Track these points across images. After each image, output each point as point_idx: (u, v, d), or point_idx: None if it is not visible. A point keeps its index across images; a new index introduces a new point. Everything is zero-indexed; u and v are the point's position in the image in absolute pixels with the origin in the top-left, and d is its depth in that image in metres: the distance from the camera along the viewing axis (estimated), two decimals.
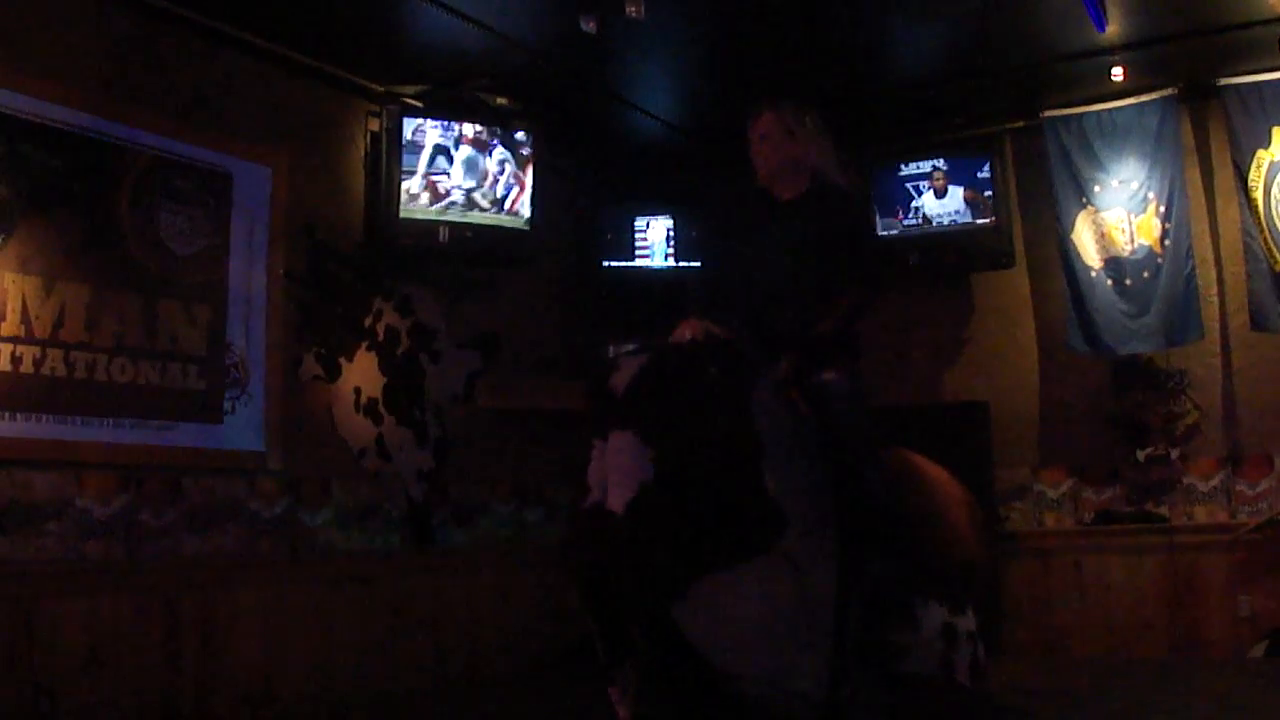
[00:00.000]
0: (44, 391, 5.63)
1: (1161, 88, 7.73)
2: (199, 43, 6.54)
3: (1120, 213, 7.88)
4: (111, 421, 5.91)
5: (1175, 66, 7.53)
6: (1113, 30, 6.89)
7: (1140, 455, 7.86)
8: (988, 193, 8.30)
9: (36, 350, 5.61)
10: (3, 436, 5.45)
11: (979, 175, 8.34)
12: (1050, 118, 8.09)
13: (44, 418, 5.62)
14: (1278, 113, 7.37)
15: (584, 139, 8.67)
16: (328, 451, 7.11)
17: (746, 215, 4.83)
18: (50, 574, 5.53)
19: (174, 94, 6.41)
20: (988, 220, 8.32)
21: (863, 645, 4.14)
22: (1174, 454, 7.80)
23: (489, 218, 7.75)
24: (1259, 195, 7.39)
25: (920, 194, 8.50)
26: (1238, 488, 7.63)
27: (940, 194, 8.45)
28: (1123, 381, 7.98)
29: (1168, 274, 7.69)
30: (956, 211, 8.40)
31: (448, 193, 7.58)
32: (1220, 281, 7.82)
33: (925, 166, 8.50)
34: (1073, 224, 8.01)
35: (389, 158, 7.42)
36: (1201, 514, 7.72)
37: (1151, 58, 7.33)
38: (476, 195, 7.69)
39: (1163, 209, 7.74)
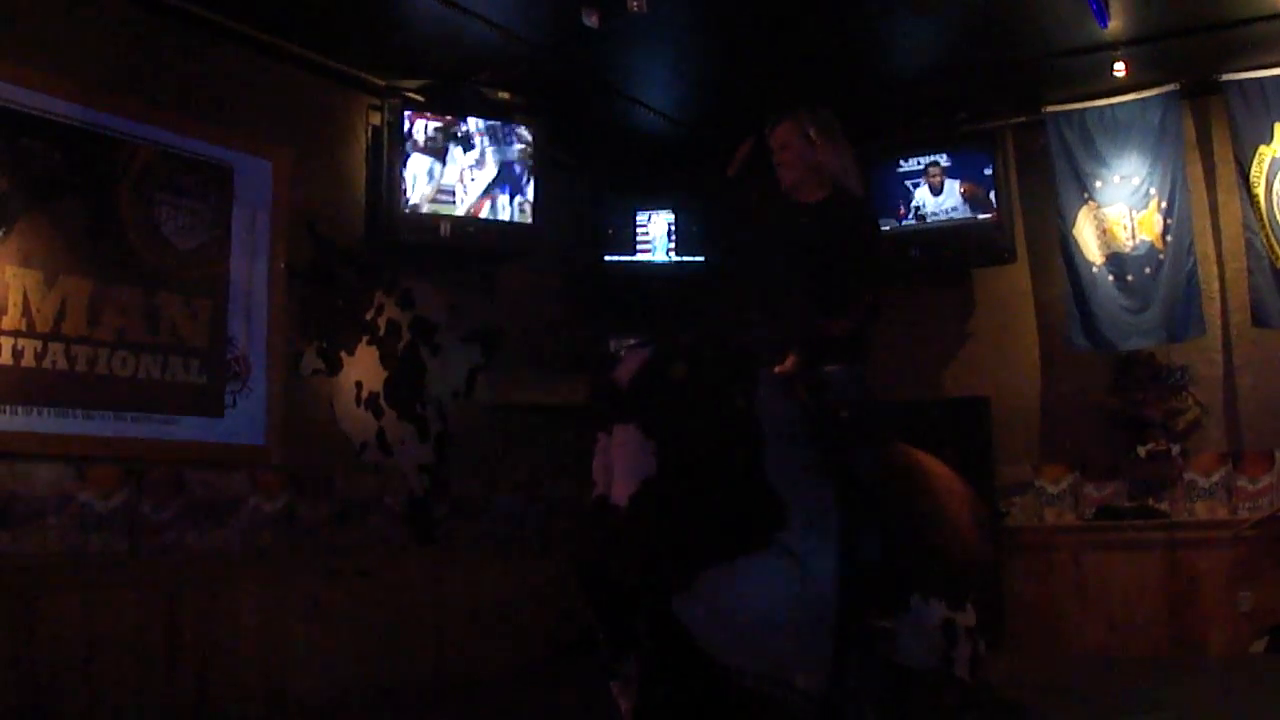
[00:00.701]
0: (45, 385, 5.63)
1: (1163, 83, 7.73)
2: (201, 37, 6.53)
3: (1122, 208, 7.87)
4: (113, 415, 5.91)
5: (1177, 62, 7.52)
6: (1115, 25, 6.88)
7: (1141, 451, 7.86)
8: (989, 189, 8.29)
9: (38, 344, 5.62)
10: (4, 430, 5.46)
11: (981, 171, 8.34)
12: (1052, 113, 8.09)
13: (45, 411, 5.62)
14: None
15: (586, 133, 8.67)
16: (329, 445, 7.11)
17: (762, 215, 4.87)
18: (52, 567, 5.54)
19: (176, 88, 6.41)
20: (989, 216, 8.32)
21: (854, 633, 4.14)
22: (1175, 450, 7.80)
23: (490, 212, 7.74)
24: (1260, 191, 7.39)
25: (918, 190, 8.49)
26: (1238, 484, 7.63)
27: (936, 190, 8.45)
28: (1124, 377, 7.98)
29: (1169, 270, 7.68)
30: (953, 208, 8.40)
31: (449, 187, 7.58)
32: (1221, 277, 7.82)
33: (925, 162, 8.50)
34: (1074, 219, 8.01)
35: (391, 152, 7.42)
36: (1202, 510, 7.72)
37: (1154, 53, 7.33)
38: (478, 189, 7.69)
39: (1164, 205, 7.73)
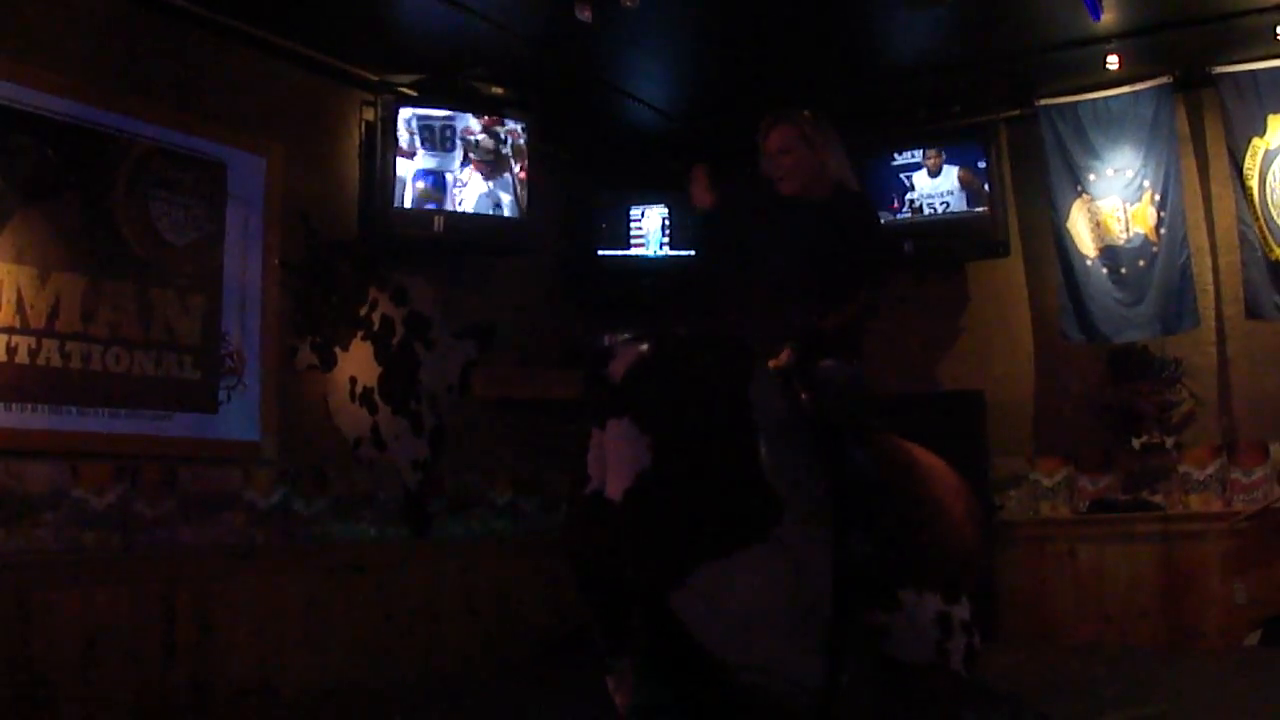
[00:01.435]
0: (39, 382, 5.62)
1: (1157, 76, 7.73)
2: (193, 32, 6.52)
3: (1115, 201, 7.88)
4: (107, 412, 5.90)
5: (1170, 55, 7.53)
6: (1108, 18, 6.88)
7: (1136, 444, 7.87)
8: (983, 182, 8.30)
9: (32, 340, 5.61)
10: None
11: (975, 164, 8.35)
12: (1045, 106, 8.09)
13: (39, 408, 5.61)
14: (1273, 101, 7.38)
15: (579, 127, 8.67)
16: (323, 441, 7.11)
17: (763, 213, 4.88)
18: (46, 564, 5.53)
19: (169, 83, 6.40)
20: (982, 209, 8.32)
21: (850, 627, 4.14)
22: (1169, 442, 7.81)
23: (484, 207, 7.74)
24: (1254, 183, 7.40)
25: (913, 182, 8.50)
26: (1233, 476, 7.64)
27: (934, 173, 8.45)
28: (1118, 370, 7.99)
29: (1163, 262, 7.69)
30: (950, 192, 8.40)
31: (442, 182, 7.58)
32: (1215, 270, 7.83)
33: (919, 155, 8.50)
34: (1068, 213, 8.01)
35: (384, 147, 7.41)
36: (1196, 502, 7.73)
37: (1147, 46, 7.33)
38: (471, 184, 7.68)
39: (1158, 197, 7.74)
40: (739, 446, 4.04)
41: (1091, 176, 7.95)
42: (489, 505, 8.15)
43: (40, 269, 5.67)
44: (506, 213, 7.84)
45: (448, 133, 7.63)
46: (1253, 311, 7.44)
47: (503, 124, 7.85)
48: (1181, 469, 7.80)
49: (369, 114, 7.56)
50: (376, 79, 7.55)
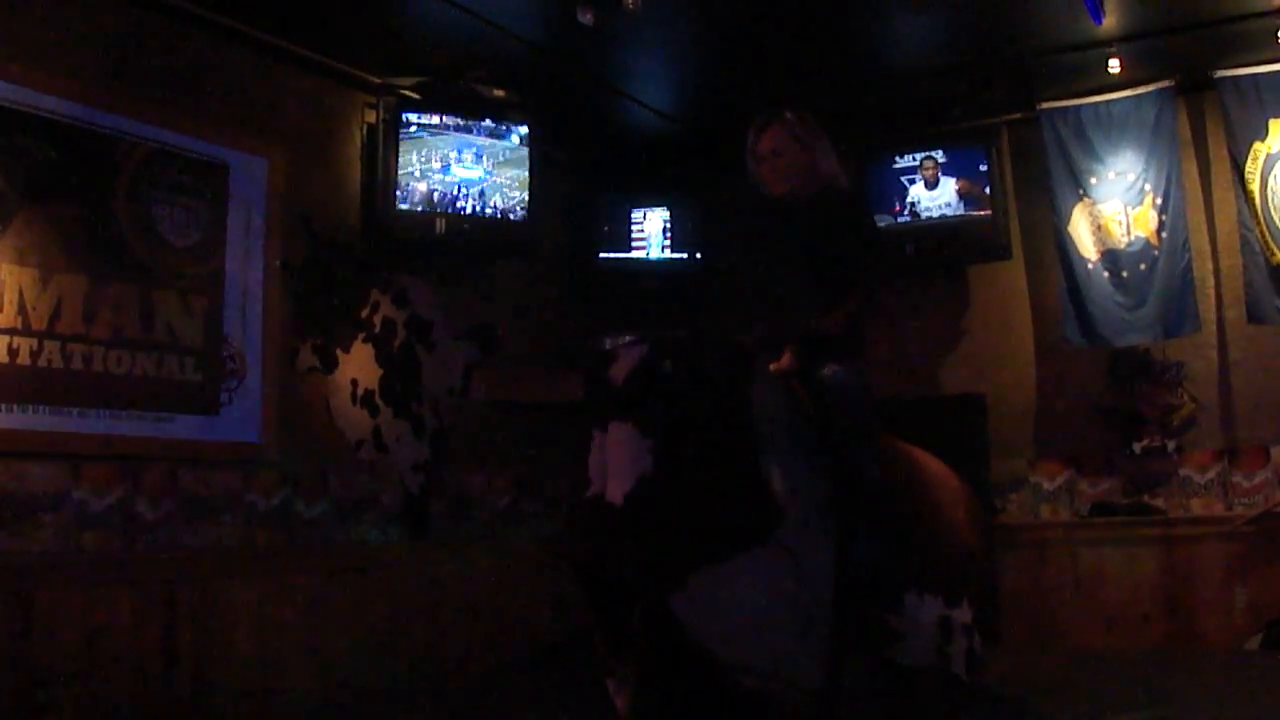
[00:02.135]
0: (41, 383, 5.63)
1: (1158, 80, 7.73)
2: (196, 34, 6.53)
3: (1117, 205, 7.88)
4: (108, 413, 5.90)
5: (1172, 59, 7.53)
6: (1110, 22, 6.89)
7: (1136, 447, 7.87)
8: (984, 185, 8.30)
9: (33, 342, 5.61)
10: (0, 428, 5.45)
11: (976, 168, 8.35)
12: (1047, 110, 8.09)
13: (41, 409, 5.61)
14: (1274, 105, 7.38)
15: (580, 130, 8.67)
16: (324, 443, 7.11)
17: (759, 219, 4.90)
18: (47, 565, 5.53)
19: (171, 85, 6.40)
20: (984, 212, 8.32)
21: (851, 630, 4.14)
22: (1170, 446, 7.81)
23: (486, 209, 7.74)
24: (1255, 187, 7.40)
25: (914, 185, 8.50)
26: (1234, 480, 7.64)
27: (931, 185, 8.46)
28: (1119, 374, 7.99)
29: (1164, 266, 7.69)
30: (948, 204, 8.41)
31: (444, 184, 7.58)
32: (1217, 274, 7.83)
33: (919, 159, 8.50)
34: (1069, 216, 8.01)
35: (386, 149, 7.42)
36: (1198, 506, 7.73)
37: (1148, 50, 7.34)
38: (473, 187, 7.69)
39: (1159, 201, 7.74)
40: (740, 450, 4.05)
41: (1093, 180, 7.95)
42: (490, 507, 8.15)
43: (42, 270, 5.67)
44: (508, 215, 7.85)
45: (450, 135, 7.63)
46: (1254, 315, 7.45)
47: (504, 126, 7.85)
48: (1182, 472, 7.80)
49: (371, 116, 7.57)
50: (379, 81, 7.56)
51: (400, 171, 7.41)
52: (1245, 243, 7.46)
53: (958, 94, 8.14)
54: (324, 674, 6.64)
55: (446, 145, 7.62)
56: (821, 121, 4.80)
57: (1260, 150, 7.39)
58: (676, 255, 9.01)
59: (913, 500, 4.60)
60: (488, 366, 8.21)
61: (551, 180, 8.44)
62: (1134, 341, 7.83)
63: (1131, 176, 7.84)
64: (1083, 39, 7.21)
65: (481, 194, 7.73)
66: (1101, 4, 6.64)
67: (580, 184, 9.10)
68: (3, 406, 5.46)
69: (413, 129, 7.50)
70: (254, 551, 6.53)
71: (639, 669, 3.92)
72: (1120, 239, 7.86)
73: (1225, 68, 7.52)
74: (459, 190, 7.64)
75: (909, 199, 8.52)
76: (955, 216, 8.40)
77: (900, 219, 8.52)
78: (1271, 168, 7.35)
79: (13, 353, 5.52)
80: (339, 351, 7.25)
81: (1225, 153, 7.62)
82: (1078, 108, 7.99)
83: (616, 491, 3.88)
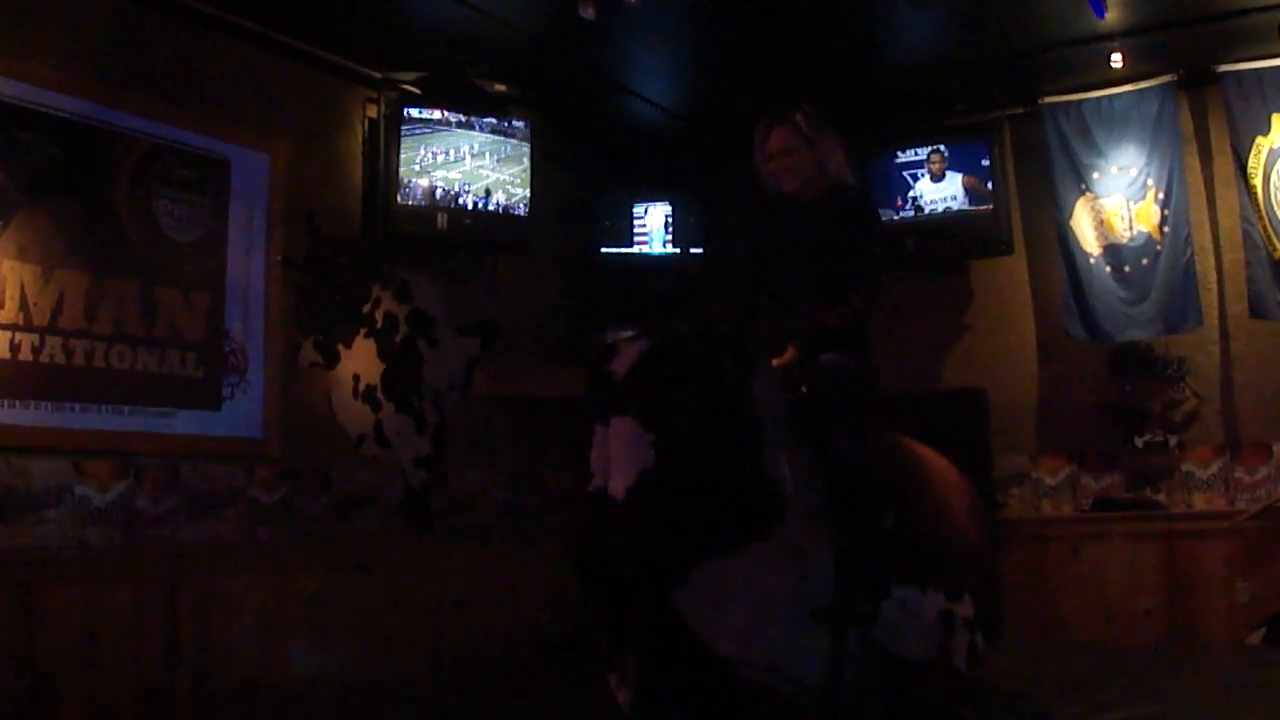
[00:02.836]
0: (43, 379, 5.63)
1: (1161, 74, 7.72)
2: (197, 29, 6.53)
3: (1119, 200, 7.87)
4: (110, 409, 5.91)
5: (1175, 53, 7.51)
6: (1112, 17, 6.88)
7: (1139, 442, 7.86)
8: (986, 180, 8.29)
9: (35, 338, 5.61)
10: (1, 424, 5.46)
11: (978, 162, 8.34)
12: (1049, 104, 8.08)
13: (43, 405, 5.62)
14: (1277, 99, 7.36)
15: (582, 125, 8.67)
16: (326, 438, 7.12)
17: (766, 216, 4.91)
18: (49, 561, 5.54)
19: (172, 81, 6.40)
20: (986, 207, 8.31)
21: (831, 613, 4.14)
22: (1172, 441, 7.81)
23: (487, 204, 7.74)
24: (1258, 182, 7.39)
25: (917, 181, 8.49)
26: (1236, 475, 7.64)
27: (937, 178, 8.45)
28: (1121, 368, 7.98)
29: (1166, 261, 7.68)
30: (953, 197, 8.40)
31: (446, 179, 7.58)
32: (1219, 269, 7.82)
33: (923, 153, 8.50)
34: (1071, 211, 8.01)
35: (387, 144, 7.41)
36: (1200, 501, 7.73)
37: (1151, 44, 7.33)
38: (474, 182, 7.69)
39: (1162, 196, 7.73)
40: (743, 444, 4.05)
41: (1095, 175, 7.94)
42: (492, 502, 8.15)
43: (44, 266, 5.68)
44: (510, 210, 7.85)
45: (451, 130, 7.63)
46: (1256, 310, 7.44)
47: (506, 121, 7.85)
48: (1184, 468, 7.80)
49: (373, 111, 7.56)
50: (380, 76, 7.55)
51: (402, 167, 7.41)
52: (1248, 237, 7.45)
53: (960, 89, 8.14)
54: (325, 669, 6.65)
55: (448, 140, 7.62)
56: (834, 124, 4.81)
57: (1263, 145, 7.38)
58: (678, 250, 9.00)
59: (912, 494, 4.60)
60: (489, 361, 8.22)
61: (553, 175, 8.44)
62: (1136, 336, 7.82)
63: (1134, 171, 7.83)
64: (1085, 33, 7.20)
65: (483, 189, 7.73)
66: None
67: (582, 178, 9.10)
68: (5, 402, 5.47)
69: (414, 124, 7.50)
70: (256, 547, 6.54)
71: (641, 664, 3.93)
72: (1122, 234, 7.86)
73: (1228, 62, 7.50)
74: (460, 185, 7.64)
75: (911, 193, 8.51)
76: (957, 211, 8.40)
77: (902, 213, 8.52)
78: (1274, 162, 7.34)
79: (14, 348, 5.52)
80: (340, 347, 7.25)
81: (1228, 147, 7.60)
82: (1080, 102, 7.98)
83: (618, 485, 3.87)
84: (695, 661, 3.96)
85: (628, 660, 3.97)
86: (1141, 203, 7.80)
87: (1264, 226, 7.36)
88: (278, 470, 6.74)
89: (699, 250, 8.98)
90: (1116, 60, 7.34)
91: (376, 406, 7.44)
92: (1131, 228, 7.83)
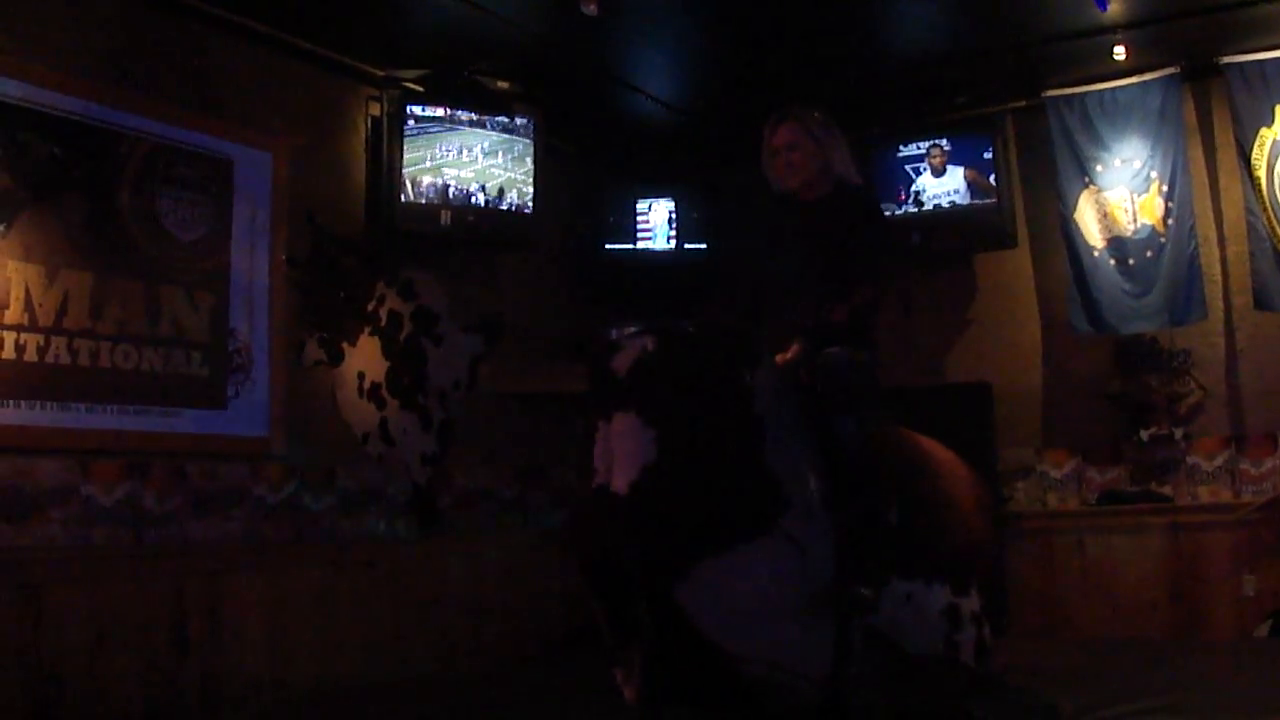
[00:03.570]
0: (48, 379, 5.64)
1: (1164, 66, 7.70)
2: (199, 29, 6.54)
3: (1123, 192, 7.86)
4: (115, 408, 5.92)
5: (1178, 45, 7.50)
6: (1115, 9, 6.87)
7: (1144, 435, 7.85)
8: (989, 173, 8.29)
9: (40, 338, 5.62)
10: (7, 424, 5.47)
11: (981, 155, 8.33)
12: (1052, 97, 8.07)
13: (48, 405, 5.64)
14: None
15: (585, 122, 8.66)
16: (331, 436, 7.13)
17: (774, 214, 4.94)
18: (56, 561, 5.55)
19: (175, 81, 6.41)
20: (990, 200, 8.31)
21: (831, 600, 4.16)
22: (1178, 434, 7.80)
23: (491, 201, 7.75)
24: (1262, 174, 7.38)
25: (919, 175, 8.49)
26: (1242, 467, 7.63)
27: (938, 173, 8.44)
28: (1126, 361, 7.97)
29: (1170, 253, 7.67)
30: (955, 191, 8.40)
31: (449, 177, 7.58)
32: (1223, 260, 7.81)
33: (925, 147, 8.49)
34: (1075, 204, 8.00)
35: (390, 142, 7.42)
36: (1205, 494, 7.72)
37: (1154, 36, 7.31)
38: (478, 179, 7.69)
39: (1165, 188, 7.72)
40: (744, 440, 4.06)
41: (1099, 167, 7.93)
42: (497, 499, 8.16)
43: (48, 266, 5.69)
44: (513, 207, 7.85)
45: (454, 127, 7.63)
46: (1261, 302, 7.43)
47: (509, 118, 7.85)
48: (1190, 460, 7.79)
49: (375, 109, 7.57)
50: (383, 74, 7.56)
51: (405, 164, 7.41)
52: (1252, 229, 7.44)
53: (962, 82, 8.12)
54: (332, 666, 6.66)
55: (451, 137, 7.62)
56: (836, 118, 4.83)
57: (1267, 136, 7.37)
58: (682, 246, 9.00)
59: (918, 488, 4.60)
60: (494, 358, 8.22)
61: (556, 171, 8.44)
62: (1140, 329, 7.81)
63: (1137, 163, 7.82)
64: (1088, 25, 7.18)
65: (486, 186, 7.73)
66: None
67: (585, 175, 9.11)
68: (11, 402, 5.49)
69: (417, 122, 7.50)
70: (262, 545, 6.55)
71: (645, 659, 3.94)
72: (1126, 226, 7.85)
73: (1231, 54, 7.49)
74: (464, 182, 7.64)
75: (914, 187, 8.50)
76: (961, 205, 8.39)
77: (905, 207, 8.51)
78: (1278, 154, 7.33)
79: (20, 349, 5.53)
80: (345, 345, 7.25)
81: (1231, 139, 7.59)
82: (1083, 95, 7.97)
83: (621, 482, 3.90)
84: (699, 656, 3.97)
85: (632, 655, 3.98)
86: (1145, 195, 7.79)
87: (1268, 218, 7.35)
88: (283, 469, 6.75)
89: (703, 246, 8.98)
90: (1119, 52, 7.32)
91: (381, 404, 7.45)
92: (1135, 220, 7.82)
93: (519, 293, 8.50)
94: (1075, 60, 7.69)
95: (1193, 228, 7.66)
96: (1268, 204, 7.35)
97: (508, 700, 6.55)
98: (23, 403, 5.53)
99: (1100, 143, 7.92)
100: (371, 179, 7.52)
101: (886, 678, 4.35)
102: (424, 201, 7.49)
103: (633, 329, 4.44)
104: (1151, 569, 7.67)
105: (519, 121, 7.89)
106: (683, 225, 9.00)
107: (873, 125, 8.53)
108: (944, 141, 8.45)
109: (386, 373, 7.50)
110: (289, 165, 6.96)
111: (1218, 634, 7.37)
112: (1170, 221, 7.70)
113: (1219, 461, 7.71)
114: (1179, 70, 7.70)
